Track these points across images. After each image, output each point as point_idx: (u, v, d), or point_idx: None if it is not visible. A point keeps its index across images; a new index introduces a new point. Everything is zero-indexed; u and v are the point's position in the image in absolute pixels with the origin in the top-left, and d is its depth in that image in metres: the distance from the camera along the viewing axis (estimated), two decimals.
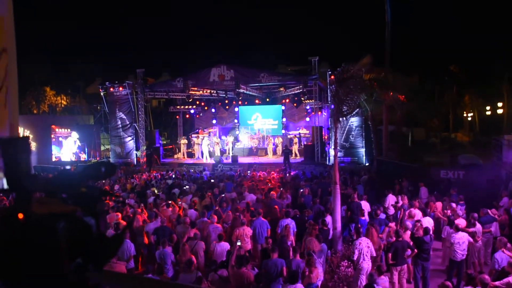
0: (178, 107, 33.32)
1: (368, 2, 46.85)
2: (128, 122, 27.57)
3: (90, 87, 52.55)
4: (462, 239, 9.62)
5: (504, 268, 7.64)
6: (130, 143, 27.71)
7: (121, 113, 27.65)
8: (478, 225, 10.36)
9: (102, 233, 1.62)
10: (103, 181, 19.22)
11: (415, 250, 9.34)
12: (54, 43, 50.97)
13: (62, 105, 49.19)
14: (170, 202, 13.15)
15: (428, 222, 11.06)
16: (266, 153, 28.18)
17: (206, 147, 27.38)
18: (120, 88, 27.33)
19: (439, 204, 12.89)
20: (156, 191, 15.36)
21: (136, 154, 27.67)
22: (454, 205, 12.09)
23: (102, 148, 29.08)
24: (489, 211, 11.15)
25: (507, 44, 30.27)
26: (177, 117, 35.30)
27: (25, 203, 1.46)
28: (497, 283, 7.22)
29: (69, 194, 1.57)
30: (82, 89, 53.78)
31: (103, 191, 1.90)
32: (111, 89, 27.67)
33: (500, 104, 37.49)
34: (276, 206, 12.37)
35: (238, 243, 8.84)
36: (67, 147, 29.27)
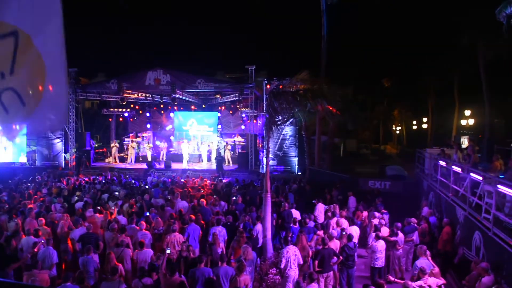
0: (112, 109, 32.23)
1: (306, 15, 48.05)
2: None
3: None
4: (382, 247, 10.09)
5: (418, 273, 8.13)
6: (59, 145, 26.56)
7: None
8: (400, 234, 10.88)
9: None
10: (28, 185, 18.32)
11: (340, 257, 9.64)
12: None
13: None
14: (98, 207, 12.75)
15: (355, 230, 11.47)
16: (201, 160, 28.02)
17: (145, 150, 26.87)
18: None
19: (365, 213, 13.42)
20: (82, 196, 14.74)
21: (64, 157, 26.53)
22: (377, 214, 12.60)
23: (28, 149, 27.54)
24: (410, 220, 11.74)
25: (434, 60, 31.94)
26: (110, 120, 34.08)
27: None
28: (412, 284, 7.72)
29: None
30: None
31: None
32: None
33: (425, 120, 39.68)
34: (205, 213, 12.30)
35: (168, 251, 8.72)
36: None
